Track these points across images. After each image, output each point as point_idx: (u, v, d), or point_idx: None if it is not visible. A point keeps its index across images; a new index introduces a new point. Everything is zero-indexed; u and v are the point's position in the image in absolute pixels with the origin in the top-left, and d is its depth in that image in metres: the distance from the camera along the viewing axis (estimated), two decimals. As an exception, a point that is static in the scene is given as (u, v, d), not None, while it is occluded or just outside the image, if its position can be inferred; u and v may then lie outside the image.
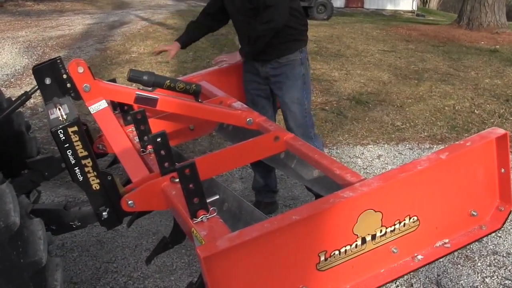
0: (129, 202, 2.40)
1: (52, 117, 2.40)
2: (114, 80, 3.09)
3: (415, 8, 30.98)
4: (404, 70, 9.38)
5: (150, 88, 2.94)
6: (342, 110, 7.04)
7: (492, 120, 6.59)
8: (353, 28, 14.38)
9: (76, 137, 2.29)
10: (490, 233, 2.43)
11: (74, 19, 15.59)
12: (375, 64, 9.87)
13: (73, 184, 2.70)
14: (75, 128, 2.29)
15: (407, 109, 7.15)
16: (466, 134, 6.03)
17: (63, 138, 2.28)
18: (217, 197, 2.32)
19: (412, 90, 8.02)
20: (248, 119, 3.08)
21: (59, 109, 2.37)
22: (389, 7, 29.91)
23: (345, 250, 2.07)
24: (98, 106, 2.64)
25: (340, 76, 8.73)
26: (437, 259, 2.32)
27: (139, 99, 2.82)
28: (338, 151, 5.80)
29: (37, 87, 2.66)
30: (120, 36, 12.31)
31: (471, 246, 3.82)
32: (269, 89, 4.01)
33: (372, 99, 7.59)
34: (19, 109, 2.92)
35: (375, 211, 2.09)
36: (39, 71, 2.62)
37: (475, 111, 6.98)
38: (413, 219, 2.19)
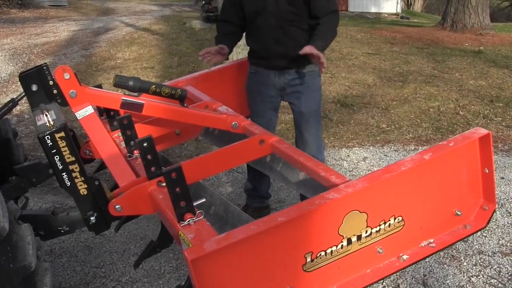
0: (117, 207, 2.42)
1: (39, 123, 2.41)
2: (100, 86, 3.10)
3: (399, 10, 31.12)
4: (389, 73, 9.44)
5: (136, 94, 2.95)
6: (328, 113, 7.07)
7: (476, 121, 6.65)
8: (337, 31, 14.28)
9: (63, 142, 2.30)
10: (475, 232, 2.47)
11: (59, 26, 15.53)
12: (360, 67, 9.92)
13: (60, 190, 2.70)
14: (62, 134, 2.29)
15: (392, 111, 7.20)
16: (451, 135, 6.07)
17: (51, 144, 2.28)
18: (204, 200, 2.33)
19: (397, 92, 8.08)
20: (233, 123, 3.10)
21: (46, 115, 2.38)
22: (373, 9, 30.02)
23: (331, 251, 2.09)
24: (84, 112, 2.65)
25: (325, 80, 8.76)
26: (422, 259, 2.35)
27: (125, 105, 2.83)
28: (324, 153, 5.81)
29: (24, 93, 2.66)
30: (105, 42, 12.29)
31: (457, 246, 3.86)
32: (280, 101, 3.95)
33: (357, 101, 7.63)
34: (5, 116, 2.93)
35: (360, 212, 2.11)
36: (25, 77, 2.63)
37: (460, 112, 7.04)
38: (398, 219, 2.22)
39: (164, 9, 23.69)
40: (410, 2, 51.92)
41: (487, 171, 2.37)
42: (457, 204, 2.38)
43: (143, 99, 2.91)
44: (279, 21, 3.62)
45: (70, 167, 2.35)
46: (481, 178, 2.39)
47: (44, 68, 2.65)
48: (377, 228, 2.18)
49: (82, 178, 2.39)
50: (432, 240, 2.35)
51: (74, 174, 2.37)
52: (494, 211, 2.42)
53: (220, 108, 3.34)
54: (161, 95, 2.96)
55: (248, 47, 3.95)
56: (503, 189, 4.70)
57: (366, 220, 2.14)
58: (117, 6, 26.24)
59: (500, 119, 6.80)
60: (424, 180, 2.24)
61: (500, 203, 4.41)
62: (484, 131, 2.32)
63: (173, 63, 9.92)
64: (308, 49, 3.35)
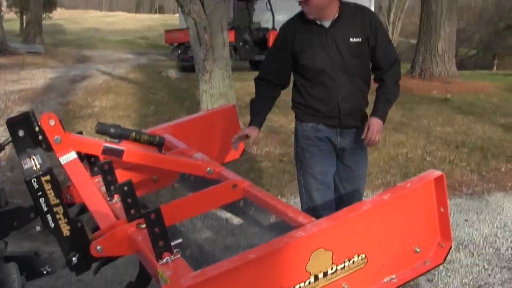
0: (98, 248, 2.54)
1: (25, 167, 2.55)
2: (81, 133, 3.25)
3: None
4: (360, 121, 9.66)
5: (116, 140, 3.12)
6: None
7: (443, 167, 6.91)
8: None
9: (49, 185, 2.44)
10: (433, 268, 2.63)
11: (35, 73, 15.72)
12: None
13: (39, 236, 2.78)
14: (48, 178, 2.44)
15: (362, 158, 7.40)
16: (418, 181, 6.29)
17: (37, 186, 2.43)
18: (181, 240, 2.47)
19: (366, 140, 8.30)
20: (208, 169, 3.25)
21: (33, 160, 2.53)
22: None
23: (299, 287, 2.24)
24: (68, 157, 2.79)
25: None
26: (385, 294, 2.51)
27: (106, 151, 2.99)
28: (296, 200, 5.98)
29: (10, 139, 2.81)
30: (82, 90, 12.48)
31: (423, 286, 4.02)
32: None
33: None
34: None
35: (326, 250, 2.27)
36: (12, 124, 2.77)
37: (427, 158, 7.31)
38: (361, 256, 2.38)
39: (140, 58, 23.99)
40: (382, 51, 53.10)
41: (442, 210, 2.55)
42: (416, 242, 2.55)
43: (123, 145, 3.07)
44: (347, 76, 3.49)
45: (55, 209, 2.49)
46: (438, 217, 2.57)
47: (31, 114, 2.81)
48: (342, 265, 2.33)
49: (66, 220, 2.53)
50: (394, 276, 2.50)
51: (58, 216, 2.50)
52: (451, 247, 2.60)
53: (195, 155, 3.50)
54: (140, 142, 3.13)
55: (295, 103, 3.82)
56: (466, 230, 4.91)
57: (332, 258, 2.29)
58: (93, 54, 26.50)
59: (465, 163, 7.08)
60: (384, 219, 2.42)
61: (464, 244, 4.61)
62: (438, 173, 2.51)
63: (149, 112, 10.11)
64: (371, 138, 3.40)
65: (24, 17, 29.57)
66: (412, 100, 11.88)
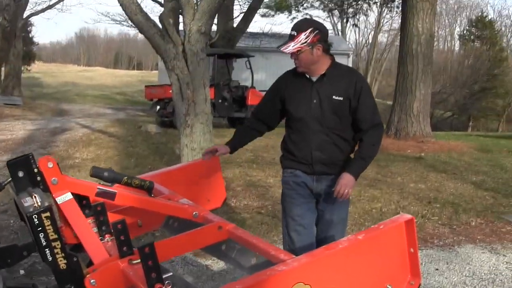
0: (92, 281, 2.72)
1: (26, 204, 2.73)
2: (71, 178, 3.45)
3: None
4: (335, 177, 9.93)
5: (109, 184, 3.32)
6: (277, 213, 7.45)
7: (415, 220, 7.13)
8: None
9: (48, 222, 2.63)
10: (403, 304, 2.86)
11: (15, 125, 15.88)
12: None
13: (29, 275, 2.92)
14: (48, 214, 2.63)
15: (338, 211, 7.63)
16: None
17: (37, 222, 2.61)
18: (171, 273, 2.66)
19: (342, 195, 8.54)
20: (194, 213, 3.46)
21: (34, 197, 2.72)
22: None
23: (281, 318, 2.44)
24: (64, 198, 2.98)
25: (275, 183, 9.22)
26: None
27: (99, 193, 3.18)
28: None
29: (10, 179, 3.00)
30: (63, 142, 12.64)
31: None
32: (315, 204, 3.98)
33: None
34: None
35: (305, 284, 2.47)
36: (13, 165, 2.97)
37: (400, 212, 7.49)
38: (338, 291, 2.60)
39: (118, 113, 24.28)
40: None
41: (412, 250, 2.78)
42: (388, 280, 2.76)
43: (115, 188, 3.27)
44: (323, 128, 3.79)
45: (53, 243, 2.67)
46: (408, 257, 2.80)
47: (30, 157, 3.01)
48: (320, 299, 2.55)
49: (63, 254, 2.70)
50: (368, 311, 2.72)
51: (55, 250, 2.68)
52: (420, 285, 2.83)
53: (181, 200, 3.71)
54: (132, 186, 3.34)
55: (283, 151, 4.16)
56: (437, 279, 5.11)
57: (311, 291, 2.50)
58: (71, 108, 26.78)
59: (436, 218, 7.33)
60: (358, 257, 2.64)
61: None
62: (408, 216, 2.77)
63: (130, 164, 10.28)
64: (339, 191, 3.65)
65: (3, 69, 29.76)
66: (387, 158, 12.21)
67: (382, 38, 55.18)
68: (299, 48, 3.67)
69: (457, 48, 55.29)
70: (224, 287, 2.32)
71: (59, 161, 10.38)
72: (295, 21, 4.12)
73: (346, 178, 3.68)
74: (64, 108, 26.79)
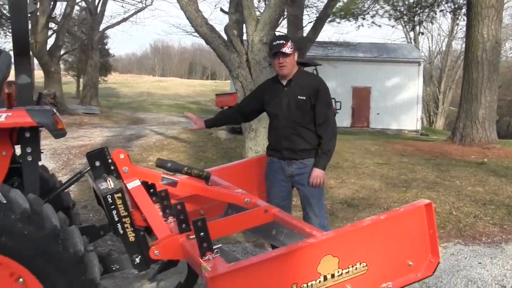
0: (156, 252, 3.26)
1: (101, 187, 3.28)
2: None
3: (419, 127, 32.04)
4: (395, 180, 10.28)
5: (172, 173, 3.86)
6: (334, 211, 7.88)
7: (467, 220, 7.36)
8: (353, 144, 15.47)
9: (120, 201, 3.18)
10: (423, 279, 3.26)
11: (93, 132, 16.84)
12: (369, 174, 10.80)
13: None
14: (120, 195, 3.18)
15: (393, 211, 7.94)
16: (441, 231, 6.80)
17: (111, 201, 3.17)
18: (220, 245, 3.15)
19: (399, 196, 8.88)
20: (246, 200, 3.94)
21: (109, 181, 3.28)
22: (394, 126, 30.91)
23: (312, 284, 2.87)
24: (133, 184, 3.52)
25: (336, 184, 9.63)
26: (383, 295, 3.12)
27: (164, 180, 3.73)
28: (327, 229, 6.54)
29: (89, 168, 3.57)
30: (138, 147, 13.41)
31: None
32: (291, 186, 4.84)
33: (363, 203, 8.44)
34: (67, 190, 3.85)
35: (333, 256, 2.91)
36: (91, 156, 3.53)
37: (453, 212, 7.77)
38: (363, 264, 3.01)
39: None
40: (432, 119, 53.21)
41: (431, 232, 3.18)
42: (409, 257, 3.16)
43: (177, 177, 3.80)
44: (289, 122, 4.66)
45: (123, 219, 3.21)
46: (428, 237, 3.20)
47: (105, 149, 3.57)
48: (347, 270, 2.96)
49: (132, 228, 3.25)
50: (390, 283, 3.12)
51: (126, 225, 3.22)
52: (439, 263, 3.21)
53: (236, 190, 4.21)
54: (191, 175, 3.87)
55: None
56: (478, 271, 5.37)
57: (338, 263, 2.92)
58: (146, 117, 27.79)
59: (489, 218, 7.50)
60: (381, 235, 3.05)
61: (473, 281, 5.08)
62: (427, 201, 3.17)
63: (199, 167, 10.82)
64: (313, 181, 4.62)
65: (81, 80, 31.26)
66: (449, 163, 12.37)
67: (457, 45, 54.06)
68: (291, 52, 4.56)
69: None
70: (263, 254, 2.80)
71: (134, 163, 11.08)
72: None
73: (316, 172, 4.63)
74: (139, 117, 27.89)
